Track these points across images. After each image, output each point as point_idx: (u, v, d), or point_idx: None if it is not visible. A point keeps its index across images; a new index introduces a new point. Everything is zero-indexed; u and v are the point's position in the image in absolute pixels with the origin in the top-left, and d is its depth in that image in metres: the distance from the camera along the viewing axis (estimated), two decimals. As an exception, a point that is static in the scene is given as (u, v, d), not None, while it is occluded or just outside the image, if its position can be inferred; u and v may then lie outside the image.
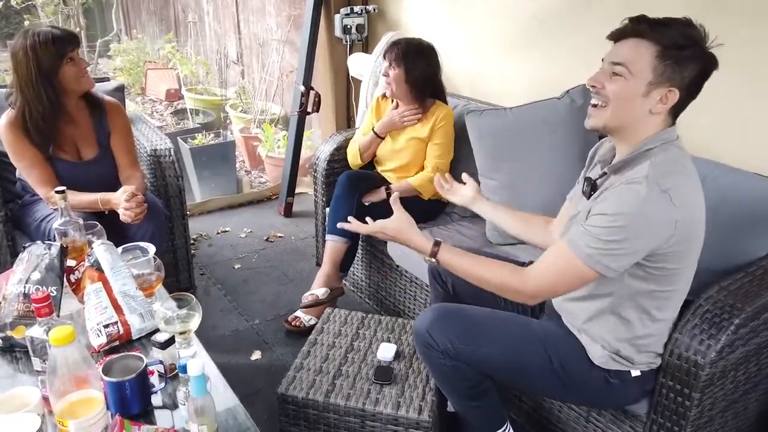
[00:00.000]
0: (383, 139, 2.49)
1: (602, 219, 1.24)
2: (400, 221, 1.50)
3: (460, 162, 2.47)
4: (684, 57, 1.20)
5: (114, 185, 2.15)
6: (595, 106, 1.30)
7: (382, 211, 2.39)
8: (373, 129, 2.49)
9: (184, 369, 1.19)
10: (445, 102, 2.47)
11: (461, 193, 1.80)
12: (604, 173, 1.35)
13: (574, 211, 1.44)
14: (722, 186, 1.67)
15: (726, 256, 1.62)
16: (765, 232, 1.59)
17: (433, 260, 1.45)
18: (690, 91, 1.26)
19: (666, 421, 1.44)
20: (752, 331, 1.39)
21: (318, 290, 2.34)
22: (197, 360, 1.13)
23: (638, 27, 1.23)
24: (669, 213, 1.21)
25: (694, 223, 1.28)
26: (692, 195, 1.27)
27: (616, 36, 1.27)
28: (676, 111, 1.29)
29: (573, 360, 1.42)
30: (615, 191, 1.25)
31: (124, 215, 1.90)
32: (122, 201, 1.90)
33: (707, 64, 1.23)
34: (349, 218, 1.60)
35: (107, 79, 2.91)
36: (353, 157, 2.56)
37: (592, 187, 1.36)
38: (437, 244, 1.45)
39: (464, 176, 1.82)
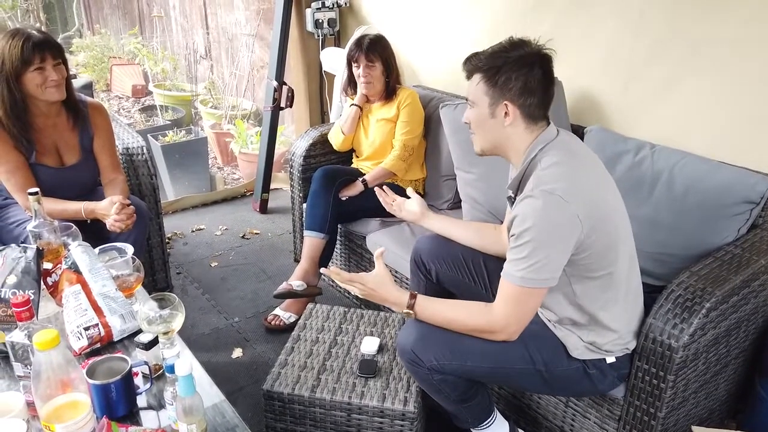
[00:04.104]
0: (362, 108, 2.53)
1: (515, 240, 1.31)
2: (379, 276, 1.50)
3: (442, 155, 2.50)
4: (502, 76, 1.33)
5: (94, 189, 2.10)
6: (472, 134, 1.46)
7: (359, 203, 2.42)
8: (351, 104, 2.53)
9: (171, 369, 1.18)
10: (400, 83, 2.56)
11: (408, 209, 1.84)
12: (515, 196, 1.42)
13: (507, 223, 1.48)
14: (690, 174, 1.73)
15: (695, 242, 1.68)
16: (731, 219, 1.66)
17: (411, 312, 1.46)
18: (530, 95, 1.34)
19: (642, 403, 1.49)
20: (722, 315, 1.45)
21: (294, 282, 2.33)
22: (185, 360, 1.12)
23: (469, 65, 1.40)
24: (566, 211, 1.27)
25: (598, 209, 1.33)
26: (584, 183, 1.34)
27: (466, 76, 1.42)
28: (532, 115, 1.36)
29: (553, 356, 1.46)
30: (516, 210, 1.33)
31: (114, 227, 1.86)
32: (112, 213, 1.85)
33: (529, 71, 1.32)
34: (326, 269, 1.58)
35: (74, 77, 2.85)
36: (336, 138, 2.58)
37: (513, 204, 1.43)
38: (413, 296, 1.47)
39: (409, 191, 1.87)
